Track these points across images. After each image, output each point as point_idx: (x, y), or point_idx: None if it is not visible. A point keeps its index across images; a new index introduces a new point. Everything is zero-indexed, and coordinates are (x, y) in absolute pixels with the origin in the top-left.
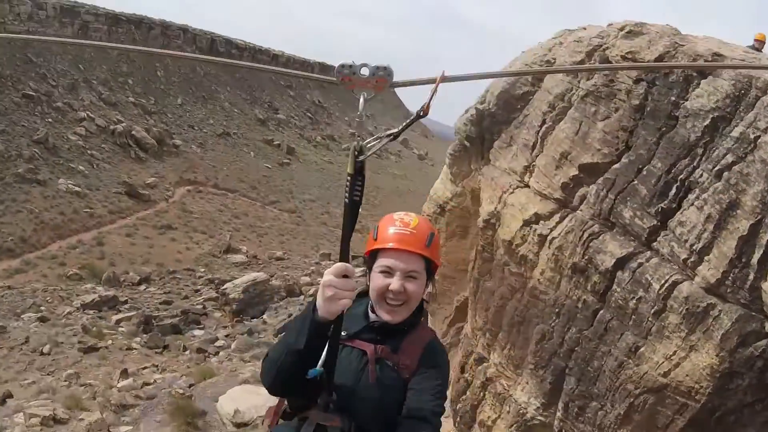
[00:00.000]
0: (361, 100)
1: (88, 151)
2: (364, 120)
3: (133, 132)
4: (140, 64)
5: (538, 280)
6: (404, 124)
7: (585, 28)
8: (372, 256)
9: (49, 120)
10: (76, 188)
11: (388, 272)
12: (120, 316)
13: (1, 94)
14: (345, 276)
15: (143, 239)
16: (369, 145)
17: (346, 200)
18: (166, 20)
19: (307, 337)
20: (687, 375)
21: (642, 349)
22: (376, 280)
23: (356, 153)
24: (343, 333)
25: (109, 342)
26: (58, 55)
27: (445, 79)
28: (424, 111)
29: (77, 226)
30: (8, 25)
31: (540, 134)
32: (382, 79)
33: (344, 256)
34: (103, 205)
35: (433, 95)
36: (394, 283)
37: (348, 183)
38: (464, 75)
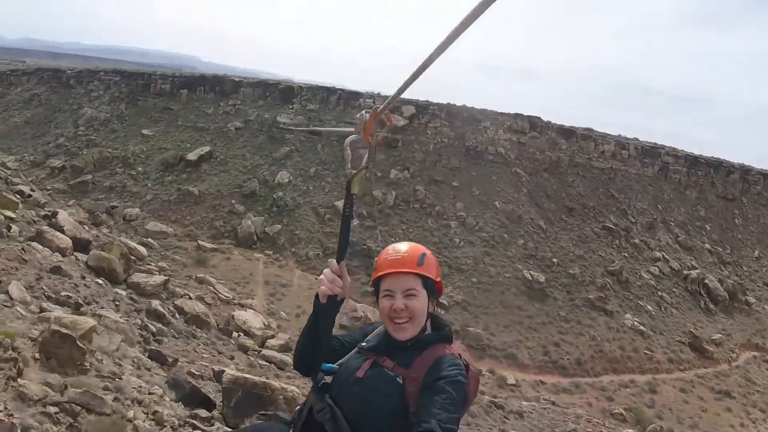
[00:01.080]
0: (348, 140)
1: (659, 293)
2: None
3: (706, 281)
4: (718, 210)
5: None
6: (368, 155)
7: None
8: (376, 287)
9: (625, 255)
10: (641, 327)
11: (390, 295)
12: None
13: (584, 223)
14: (333, 271)
15: (697, 399)
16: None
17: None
18: (746, 164)
19: (312, 315)
20: None
21: None
22: (382, 304)
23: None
24: (363, 344)
25: None
26: (639, 193)
27: (377, 110)
28: (369, 140)
29: (633, 365)
30: (593, 161)
31: None
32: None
33: (339, 257)
34: (664, 351)
35: (376, 129)
36: (396, 302)
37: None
38: (391, 95)
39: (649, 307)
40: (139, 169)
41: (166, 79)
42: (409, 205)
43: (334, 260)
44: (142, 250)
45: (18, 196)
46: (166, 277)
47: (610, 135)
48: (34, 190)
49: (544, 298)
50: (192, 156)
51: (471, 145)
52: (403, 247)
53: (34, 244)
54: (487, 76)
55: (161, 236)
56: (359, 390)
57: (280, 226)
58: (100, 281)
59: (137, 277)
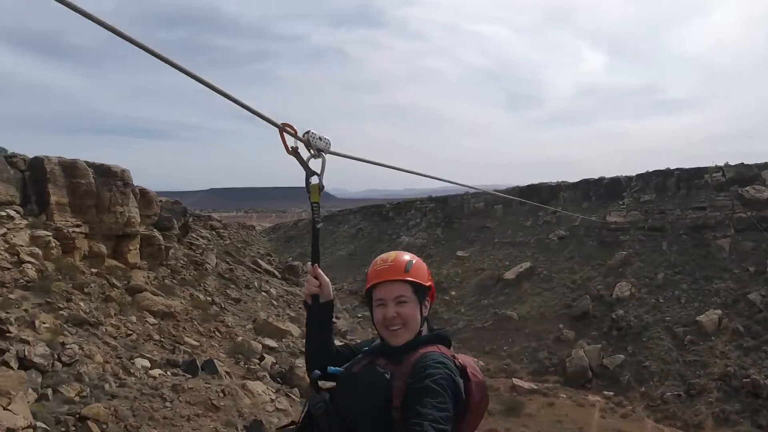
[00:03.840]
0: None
1: None
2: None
3: None
4: None
5: None
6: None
7: None
8: (369, 297)
9: None
10: None
11: (383, 304)
12: None
13: None
14: (309, 273)
15: None
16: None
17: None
18: None
19: (306, 317)
20: None
21: None
22: (376, 314)
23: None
24: (366, 348)
25: None
26: None
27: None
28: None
29: None
30: None
31: None
32: None
33: (313, 260)
34: None
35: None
36: (388, 310)
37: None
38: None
39: None
40: (453, 293)
41: (479, 197)
42: None
43: (309, 264)
44: None
45: None
46: None
47: None
48: (338, 318)
49: None
50: (510, 274)
51: None
52: (389, 256)
53: None
54: None
55: None
56: (352, 385)
57: (623, 356)
58: None
59: None
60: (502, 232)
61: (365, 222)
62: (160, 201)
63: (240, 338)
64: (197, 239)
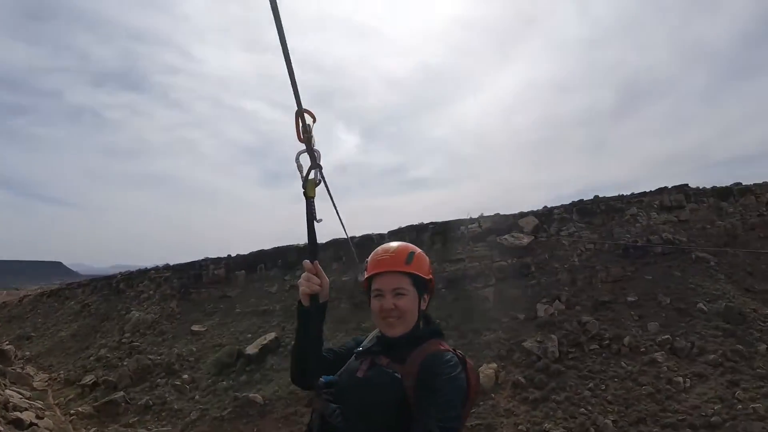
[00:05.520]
0: (297, 153)
1: None
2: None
3: None
4: None
5: None
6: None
7: None
8: (368, 287)
9: None
10: None
11: (380, 294)
12: None
13: None
14: (308, 270)
15: None
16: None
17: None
18: None
19: (297, 323)
20: None
21: None
22: (373, 304)
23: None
24: (359, 349)
25: None
26: None
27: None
28: (303, 138)
29: None
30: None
31: None
32: None
33: (312, 257)
34: None
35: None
36: (386, 301)
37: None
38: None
39: None
40: (185, 376)
41: (220, 263)
42: (581, 348)
43: (308, 260)
44: None
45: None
46: None
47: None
48: (41, 417)
49: None
50: (252, 349)
51: (627, 242)
52: (392, 246)
53: None
54: None
55: None
56: (360, 389)
57: None
58: None
59: None
60: (244, 300)
61: (94, 296)
62: None
63: None
64: None
